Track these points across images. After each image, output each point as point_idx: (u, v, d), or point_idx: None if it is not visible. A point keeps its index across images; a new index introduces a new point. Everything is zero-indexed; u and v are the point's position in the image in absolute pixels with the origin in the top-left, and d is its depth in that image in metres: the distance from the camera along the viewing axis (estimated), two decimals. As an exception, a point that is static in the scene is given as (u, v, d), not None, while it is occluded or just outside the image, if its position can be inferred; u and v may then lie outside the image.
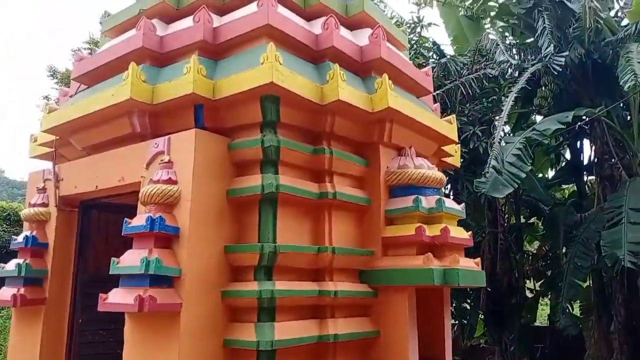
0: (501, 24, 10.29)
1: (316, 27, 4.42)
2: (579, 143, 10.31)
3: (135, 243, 3.60)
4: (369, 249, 4.25)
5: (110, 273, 3.59)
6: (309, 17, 4.58)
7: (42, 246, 4.56)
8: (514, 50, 8.62)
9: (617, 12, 8.56)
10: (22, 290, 4.38)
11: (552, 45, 7.73)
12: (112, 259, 3.59)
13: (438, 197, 4.33)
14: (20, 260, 4.48)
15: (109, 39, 5.09)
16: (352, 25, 4.75)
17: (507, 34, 10.07)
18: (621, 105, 8.83)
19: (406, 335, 4.02)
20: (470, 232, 4.52)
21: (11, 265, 4.53)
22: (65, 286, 4.60)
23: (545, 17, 8.12)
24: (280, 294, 3.59)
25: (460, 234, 4.31)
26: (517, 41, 9.43)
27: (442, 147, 5.18)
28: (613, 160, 8.70)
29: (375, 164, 4.39)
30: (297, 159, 3.95)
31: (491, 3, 9.60)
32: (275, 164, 3.83)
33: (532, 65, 7.97)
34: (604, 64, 8.53)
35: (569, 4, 8.28)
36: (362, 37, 4.60)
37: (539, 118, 10.24)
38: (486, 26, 10.11)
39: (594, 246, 8.15)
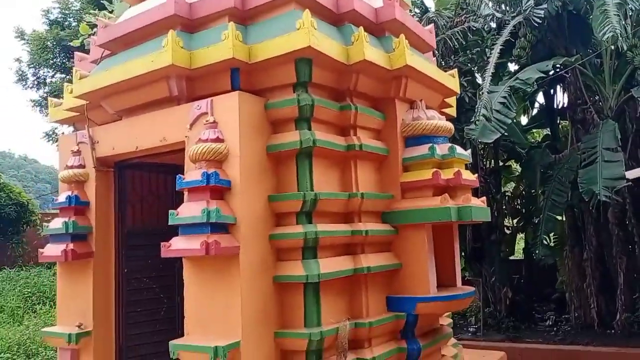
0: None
1: (334, -10, 4.73)
2: (552, 90, 10.98)
3: (191, 196, 3.99)
4: (389, 193, 4.76)
5: (169, 224, 3.99)
6: (324, -19, 4.88)
7: (84, 204, 4.89)
8: (498, 4, 9.05)
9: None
10: (70, 246, 4.74)
11: (533, -3, 8.20)
12: (170, 211, 3.99)
13: (449, 144, 4.84)
14: (66, 218, 4.81)
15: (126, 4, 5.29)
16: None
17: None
18: (591, 52, 9.46)
19: (426, 265, 4.60)
20: (476, 174, 5.07)
21: (56, 223, 4.86)
22: (108, 240, 4.98)
23: (525, -32, 8.56)
24: (322, 234, 4.08)
25: (470, 176, 4.86)
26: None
27: (445, 99, 5.66)
28: (586, 104, 9.39)
29: (392, 117, 4.85)
30: (326, 115, 4.36)
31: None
32: (308, 121, 4.24)
33: (513, 17, 8.45)
34: (578, 15, 9.08)
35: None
36: (377, 0, 4.96)
37: (512, 66, 10.85)
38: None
39: (568, 184, 8.93)
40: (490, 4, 8.37)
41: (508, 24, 8.21)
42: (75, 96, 4.92)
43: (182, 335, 4.08)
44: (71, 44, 10.79)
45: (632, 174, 6.34)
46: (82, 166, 4.97)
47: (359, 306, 4.41)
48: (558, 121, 11.32)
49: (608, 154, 7.97)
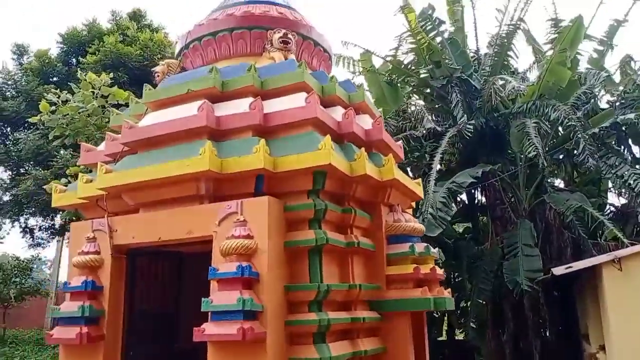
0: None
1: (336, 114, 5.73)
2: (472, 190, 12.66)
3: (223, 285, 4.57)
4: (376, 284, 5.59)
5: (202, 310, 4.51)
6: (325, 105, 5.86)
7: (98, 289, 5.24)
8: (434, 116, 10.64)
9: (508, 94, 11.03)
10: (85, 329, 5.02)
11: (465, 115, 9.83)
12: (204, 298, 4.53)
13: (424, 244, 5.83)
14: (80, 302, 5.11)
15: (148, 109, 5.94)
16: (355, 111, 6.13)
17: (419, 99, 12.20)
18: (507, 161, 11.24)
19: (408, 349, 5.40)
20: (442, 268, 6.08)
21: (70, 306, 5.14)
22: (117, 323, 5.30)
23: (457, 91, 10.26)
24: (333, 321, 4.78)
25: (439, 271, 5.84)
26: (434, 107, 11.56)
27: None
28: (504, 204, 11.01)
29: (378, 218, 5.78)
30: (333, 217, 5.20)
31: (409, 78, 11.64)
32: (319, 222, 5.04)
33: (448, 130, 10.02)
34: (497, 130, 10.88)
35: (473, 82, 10.52)
36: (365, 122, 6.02)
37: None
38: (405, 92, 12.13)
39: (491, 273, 10.29)
40: (431, 117, 9.88)
41: (445, 135, 9.72)
42: (99, 187, 5.37)
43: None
44: (29, 120, 10.98)
45: (558, 270, 7.63)
46: (98, 252, 5.35)
47: (356, 386, 5.07)
48: (479, 217, 12.96)
49: (527, 249, 9.43)
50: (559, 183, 12.44)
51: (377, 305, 5.52)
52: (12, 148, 16.63)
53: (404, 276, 5.56)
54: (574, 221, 10.77)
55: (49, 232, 19.09)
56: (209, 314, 4.57)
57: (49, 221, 18.52)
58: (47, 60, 17.16)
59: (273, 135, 5.35)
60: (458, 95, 9.93)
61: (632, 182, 8.86)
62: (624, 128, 10.43)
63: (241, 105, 5.47)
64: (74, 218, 10.43)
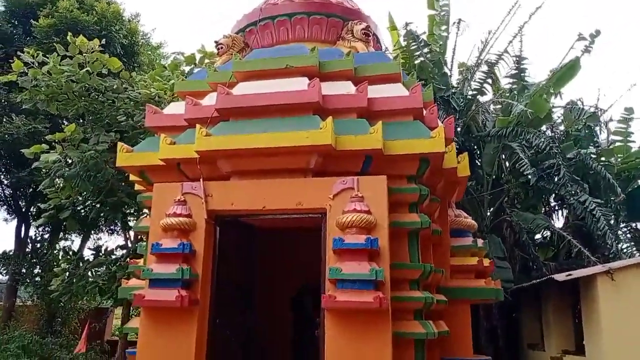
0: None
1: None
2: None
3: (350, 255, 4.70)
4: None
5: (330, 277, 4.61)
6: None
7: (192, 252, 5.07)
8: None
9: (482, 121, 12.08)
10: (183, 292, 4.84)
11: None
12: (333, 266, 4.64)
13: (481, 239, 6.36)
14: (176, 264, 4.92)
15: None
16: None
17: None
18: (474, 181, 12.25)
19: (469, 334, 5.85)
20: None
21: (165, 267, 4.91)
22: (207, 290, 5.15)
23: (441, 110, 11.02)
24: (432, 300, 5.10)
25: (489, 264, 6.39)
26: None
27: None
28: (471, 220, 11.95)
29: (445, 212, 6.22)
30: (426, 204, 5.54)
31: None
32: (417, 206, 5.37)
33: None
34: (469, 151, 11.83)
35: (453, 103, 11.40)
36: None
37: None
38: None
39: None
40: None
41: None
42: (198, 150, 5.22)
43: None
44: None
45: (559, 277, 8.43)
46: (189, 216, 5.18)
47: (435, 363, 5.40)
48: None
49: (498, 262, 10.32)
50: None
51: (443, 291, 5.91)
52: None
53: (468, 267, 6.04)
54: (528, 240, 12.01)
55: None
56: (330, 282, 4.68)
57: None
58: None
59: (376, 119, 5.56)
60: (441, 114, 10.69)
61: (591, 207, 10.16)
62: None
63: (344, 87, 5.65)
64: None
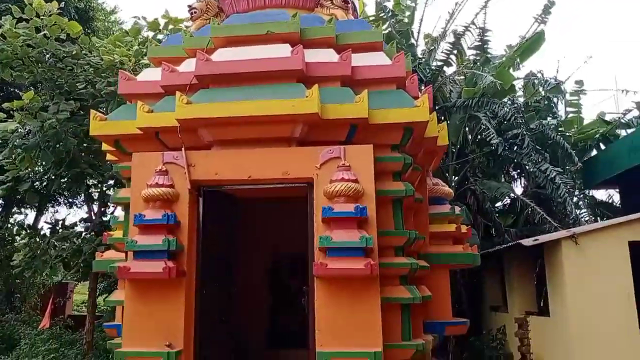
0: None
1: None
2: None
3: (339, 224, 4.71)
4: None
5: (320, 245, 4.63)
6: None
7: (177, 223, 4.97)
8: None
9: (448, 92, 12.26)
10: (170, 263, 4.75)
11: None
12: (324, 235, 4.65)
13: (458, 207, 6.50)
14: (161, 236, 4.81)
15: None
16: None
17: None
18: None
19: (449, 297, 6.03)
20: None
21: (150, 239, 4.79)
22: (192, 261, 5.08)
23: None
24: (417, 265, 5.21)
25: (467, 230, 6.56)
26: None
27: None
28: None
29: (424, 180, 6.30)
30: (408, 172, 5.60)
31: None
32: (400, 175, 5.41)
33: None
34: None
35: (420, 74, 11.51)
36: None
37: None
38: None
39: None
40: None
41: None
42: (178, 118, 5.06)
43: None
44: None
45: (527, 242, 8.73)
46: (172, 186, 5.06)
47: (418, 327, 5.54)
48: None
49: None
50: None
51: (423, 258, 6.03)
52: None
53: (447, 234, 6.18)
54: (491, 207, 12.40)
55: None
56: (319, 251, 4.70)
57: None
58: None
59: (359, 88, 5.51)
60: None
61: (552, 176, 10.55)
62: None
63: (327, 55, 5.57)
64: None
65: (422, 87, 10.94)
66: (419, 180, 6.16)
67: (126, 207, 5.47)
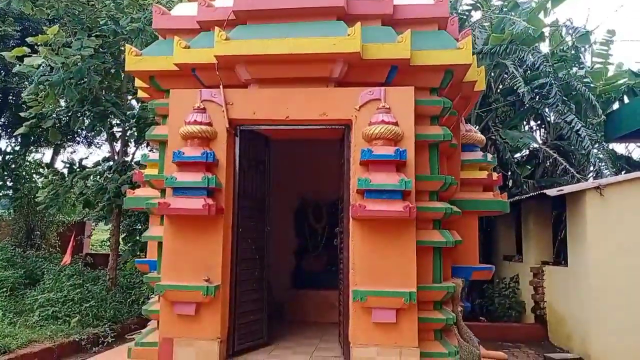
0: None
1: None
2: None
3: (378, 166, 4.71)
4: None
5: (359, 187, 4.64)
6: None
7: (215, 162, 4.97)
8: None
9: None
10: (209, 200, 4.79)
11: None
12: (363, 177, 4.65)
13: (490, 154, 6.47)
14: (200, 173, 4.82)
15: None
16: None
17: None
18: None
19: (476, 244, 6.09)
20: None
21: (189, 176, 4.81)
22: (229, 199, 5.12)
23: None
24: (451, 210, 5.23)
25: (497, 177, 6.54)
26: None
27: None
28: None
29: (458, 125, 6.23)
30: (447, 117, 5.53)
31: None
32: (439, 119, 5.35)
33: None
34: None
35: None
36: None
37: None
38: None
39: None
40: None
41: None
42: (217, 54, 4.97)
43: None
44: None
45: (551, 192, 8.73)
46: (210, 124, 5.03)
47: (448, 270, 5.63)
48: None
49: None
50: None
51: (453, 203, 6.04)
52: None
53: (478, 180, 6.17)
54: (511, 158, 12.34)
55: None
56: (356, 193, 4.72)
57: None
58: None
59: (400, 27, 5.36)
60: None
61: (577, 128, 10.42)
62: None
63: (369, -7, 5.39)
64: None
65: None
66: (454, 125, 6.09)
67: (161, 144, 5.48)
